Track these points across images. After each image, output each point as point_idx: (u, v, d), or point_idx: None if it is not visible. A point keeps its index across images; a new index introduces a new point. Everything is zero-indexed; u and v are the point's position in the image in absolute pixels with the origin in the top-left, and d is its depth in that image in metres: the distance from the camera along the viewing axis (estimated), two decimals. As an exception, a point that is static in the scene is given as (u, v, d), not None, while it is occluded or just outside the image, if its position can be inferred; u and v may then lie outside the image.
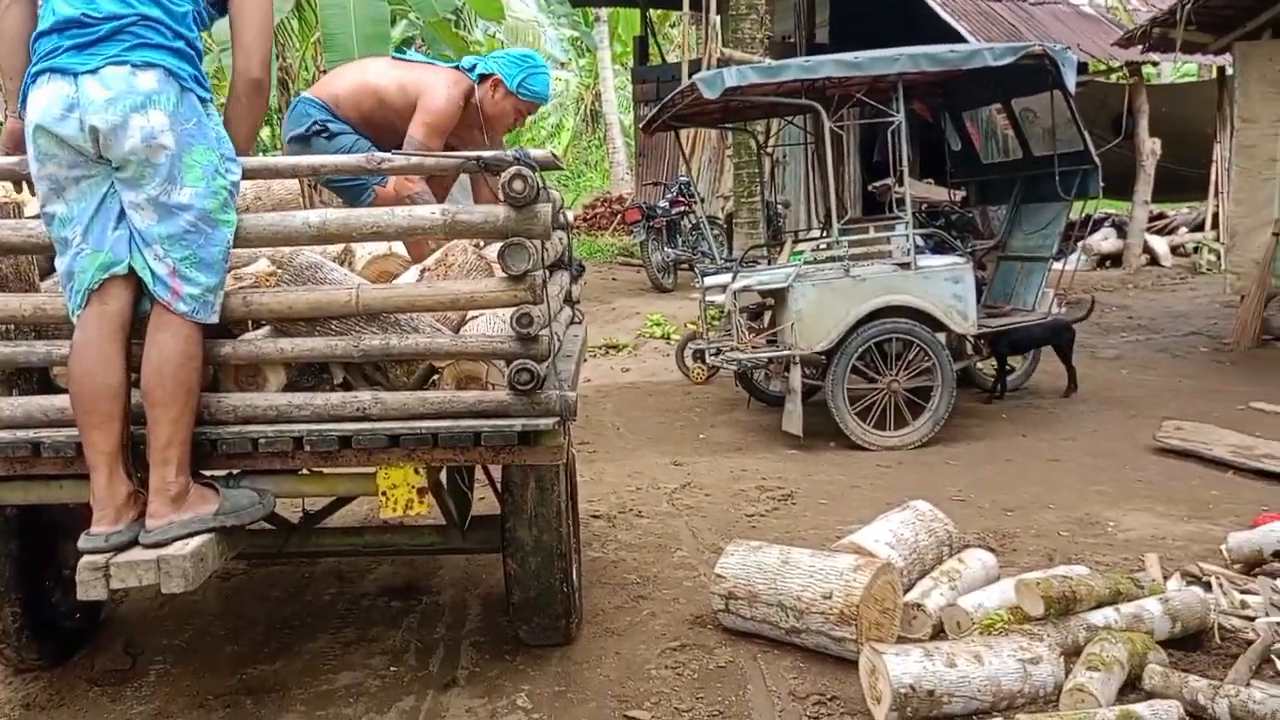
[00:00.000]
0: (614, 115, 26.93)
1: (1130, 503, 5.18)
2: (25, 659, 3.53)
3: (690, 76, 7.28)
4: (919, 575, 3.87)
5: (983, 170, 8.56)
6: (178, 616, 4.07)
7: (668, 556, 4.60)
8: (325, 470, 3.01)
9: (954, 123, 8.40)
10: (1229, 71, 9.93)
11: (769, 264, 7.63)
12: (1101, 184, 6.97)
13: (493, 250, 3.00)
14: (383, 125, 4.24)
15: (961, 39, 11.94)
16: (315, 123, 4.20)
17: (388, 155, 2.89)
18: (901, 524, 4.01)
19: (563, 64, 33.22)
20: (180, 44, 2.77)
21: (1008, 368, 7.66)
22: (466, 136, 4.34)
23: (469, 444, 2.82)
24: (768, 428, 7.08)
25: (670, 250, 13.10)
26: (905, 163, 6.62)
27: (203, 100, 2.82)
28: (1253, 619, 3.54)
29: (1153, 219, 15.03)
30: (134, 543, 2.67)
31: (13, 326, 2.95)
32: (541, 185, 2.81)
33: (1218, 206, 13.22)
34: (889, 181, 9.03)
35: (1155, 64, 14.39)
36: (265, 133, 21.42)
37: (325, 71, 12.14)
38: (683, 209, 13.03)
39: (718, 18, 13.19)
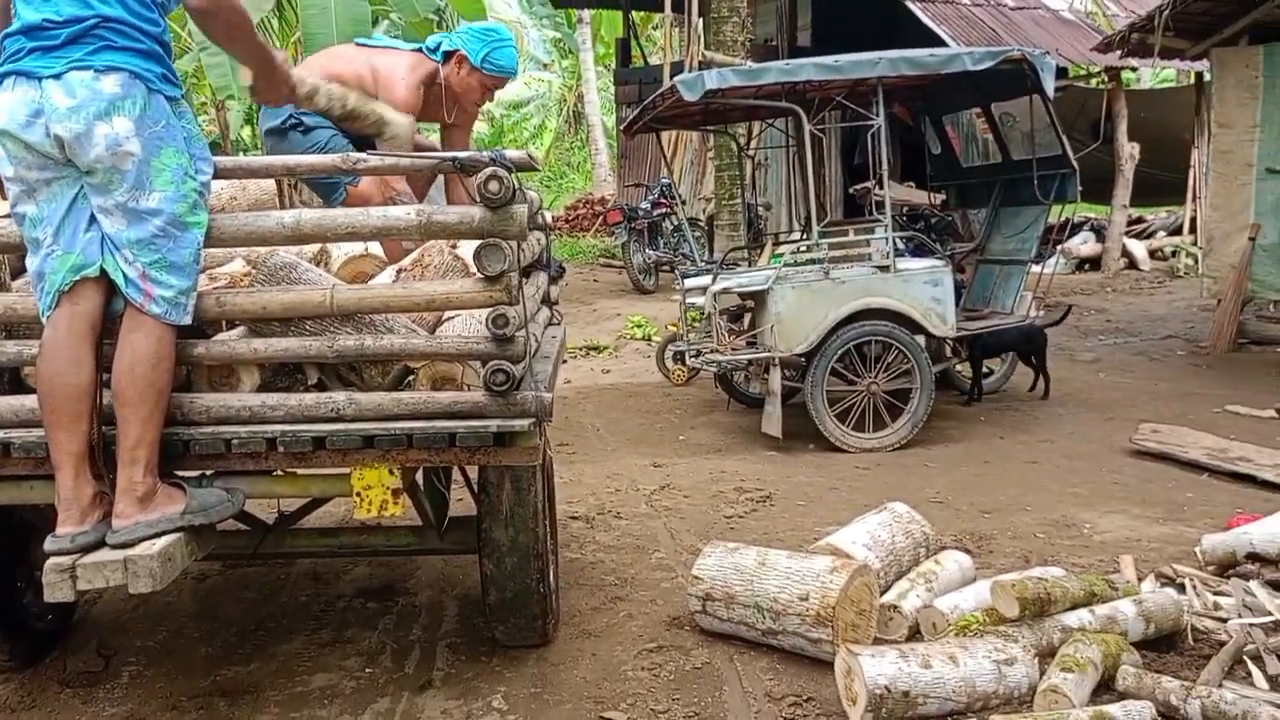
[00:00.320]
0: (596, 117, 26.94)
1: (1106, 505, 5.20)
2: (-4, 660, 3.50)
3: (672, 79, 7.28)
4: (896, 577, 3.88)
5: (962, 174, 8.60)
6: (151, 618, 4.04)
7: (646, 558, 4.59)
8: (299, 471, 3.00)
9: (934, 126, 8.43)
10: (1207, 77, 9.99)
11: (749, 266, 7.64)
12: (1080, 188, 7.00)
13: (469, 250, 3.00)
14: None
15: (942, 43, 11.99)
16: (291, 115, 4.17)
17: (362, 156, 2.88)
18: (879, 526, 4.02)
19: (545, 65, 33.23)
20: (146, 43, 2.73)
21: (986, 370, 7.69)
22: (435, 116, 4.32)
23: (444, 445, 2.82)
24: (747, 429, 7.08)
25: (652, 252, 13.12)
26: (885, 166, 6.64)
27: (173, 99, 2.79)
28: (1225, 620, 3.57)
29: (1131, 223, 15.13)
30: (101, 543, 2.66)
31: (-16, 326, 2.93)
32: (517, 186, 2.80)
33: (1195, 211, 13.32)
34: (869, 184, 9.05)
35: (1134, 69, 14.49)
36: (246, 131, 21.32)
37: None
38: (664, 211, 13.05)
39: (700, 20, 13.21)
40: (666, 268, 12.95)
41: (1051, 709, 2.92)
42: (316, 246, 3.38)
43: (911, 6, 12.98)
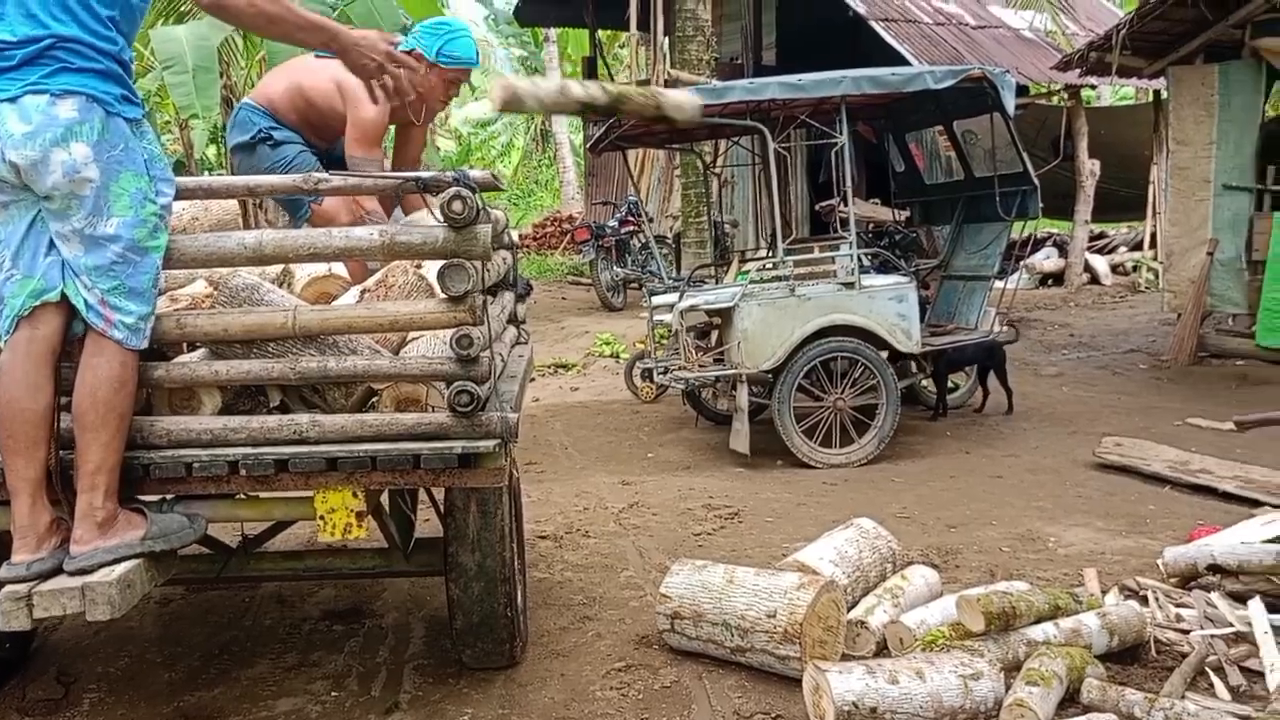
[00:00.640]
0: (564, 135, 26.99)
1: (1070, 518, 5.25)
2: (-47, 690, 3.44)
3: (637, 97, 7.29)
4: (863, 592, 3.89)
5: (926, 191, 8.69)
6: (113, 643, 3.98)
7: (614, 576, 4.58)
8: (262, 495, 2.97)
9: (897, 144, 8.51)
10: (1164, 95, 10.15)
11: (716, 283, 7.67)
12: (1041, 204, 7.09)
13: (434, 270, 2.99)
14: (320, 125, 4.21)
15: (905, 61, 12.12)
16: (260, 130, 4.14)
17: (324, 176, 2.87)
18: (845, 542, 4.03)
19: (513, 83, 33.22)
20: (104, 63, 2.69)
21: (951, 386, 7.75)
22: (403, 119, 4.28)
23: (408, 467, 2.80)
24: (715, 446, 7.10)
25: (619, 269, 13.14)
26: (850, 183, 6.69)
27: (133, 120, 2.76)
28: (1188, 632, 3.61)
29: (1093, 238, 15.31)
30: (58, 570, 2.62)
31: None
32: (481, 206, 2.80)
33: (1155, 226, 13.50)
34: (834, 201, 9.13)
35: (1094, 87, 14.70)
36: (211, 151, 21.16)
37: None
38: (632, 228, 13.09)
39: (665, 39, 13.28)
40: (634, 285, 12.98)
41: (1017, 723, 2.93)
42: (280, 267, 3.36)
43: (875, 26, 13.11)
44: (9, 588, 2.56)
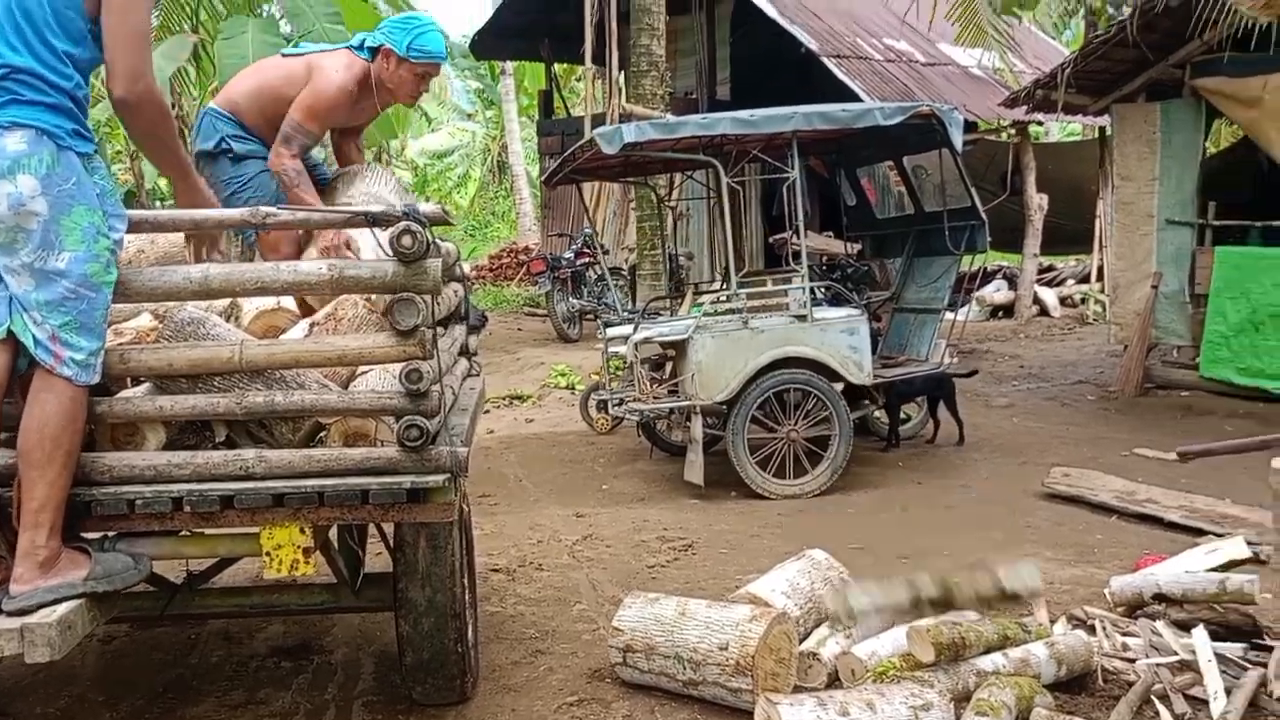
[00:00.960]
0: (520, 166, 27.03)
1: (1020, 548, 5.30)
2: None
3: (593, 130, 7.35)
4: (815, 624, 3.90)
5: (877, 224, 8.80)
6: (54, 683, 3.89)
7: (567, 610, 4.56)
8: (207, 531, 2.93)
9: (849, 178, 8.62)
10: (1109, 131, 10.38)
11: (671, 315, 7.71)
12: (990, 238, 7.21)
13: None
14: None
15: (857, 97, 12.30)
16: (223, 139, 4.09)
17: (272, 210, 2.86)
18: (798, 573, 4.04)
19: (469, 115, 33.31)
20: (56, 97, 2.67)
21: (903, 417, 7.82)
22: (372, 115, 4.27)
23: (356, 502, 2.78)
24: (670, 478, 7.10)
25: (575, 301, 13.16)
26: (802, 217, 6.76)
27: (86, 155, 2.74)
28: (1134, 661, 3.64)
29: (1042, 271, 15.57)
30: (-3, 610, 2.57)
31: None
32: (431, 240, 2.80)
33: (1102, 259, 13.76)
34: (788, 234, 9.22)
35: (1041, 123, 14.98)
36: (164, 181, 20.97)
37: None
38: (588, 260, 13.13)
39: (620, 74, 13.38)
40: (590, 316, 12.99)
41: (966, 754, 2.95)
42: (227, 300, 3.33)
43: (827, 62, 13.30)
44: (-55, 628, 2.50)
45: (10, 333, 2.66)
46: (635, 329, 6.95)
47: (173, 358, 2.80)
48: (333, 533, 3.45)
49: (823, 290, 7.40)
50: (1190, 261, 8.94)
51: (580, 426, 8.83)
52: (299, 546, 2.81)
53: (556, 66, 19.26)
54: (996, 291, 15.09)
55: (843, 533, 5.66)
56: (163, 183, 20.71)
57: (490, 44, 18.07)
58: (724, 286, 7.39)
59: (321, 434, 3.00)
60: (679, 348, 6.70)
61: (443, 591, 3.28)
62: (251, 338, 3.05)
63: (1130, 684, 3.48)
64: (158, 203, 20.32)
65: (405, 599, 3.29)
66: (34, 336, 2.65)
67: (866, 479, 6.90)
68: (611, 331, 7.47)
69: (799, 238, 6.87)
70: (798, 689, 3.49)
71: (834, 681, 3.55)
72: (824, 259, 9.77)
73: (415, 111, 23.36)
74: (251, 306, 3.35)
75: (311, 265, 2.84)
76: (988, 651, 3.48)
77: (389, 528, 3.62)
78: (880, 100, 11.87)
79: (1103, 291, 13.11)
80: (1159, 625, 3.84)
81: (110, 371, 2.80)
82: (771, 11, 13.64)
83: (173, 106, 10.85)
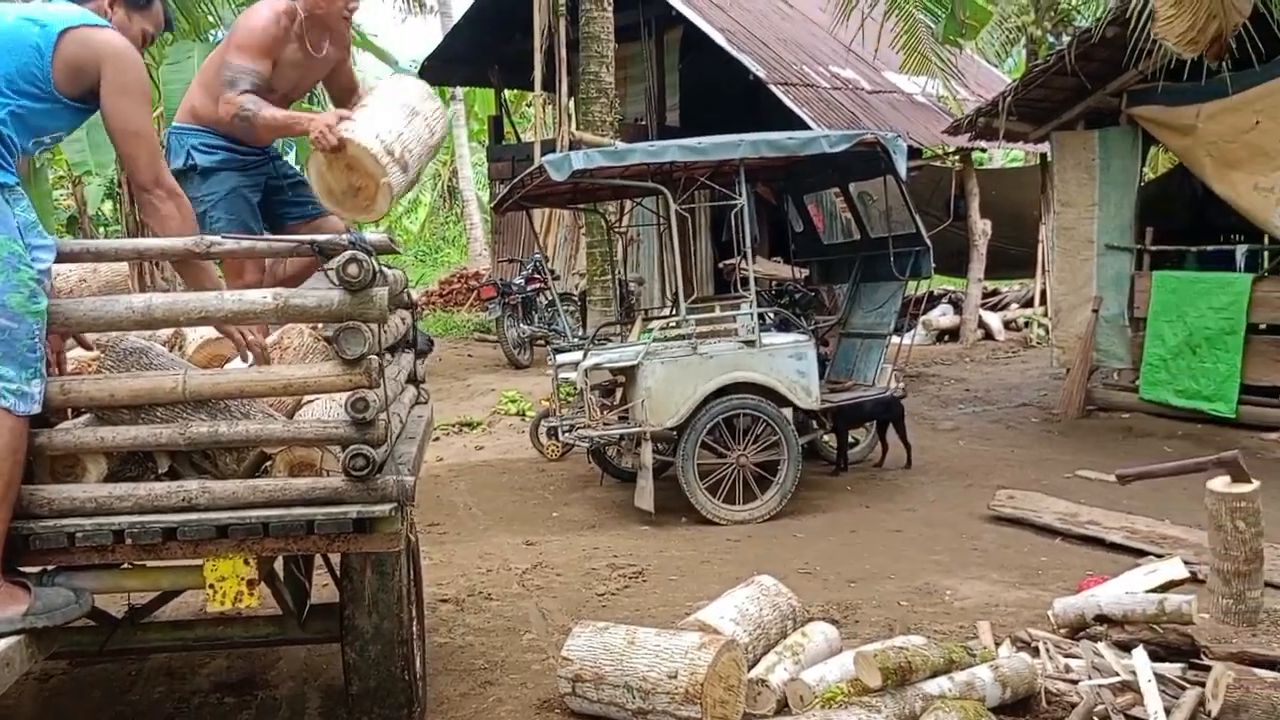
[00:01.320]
0: (471, 192, 26.99)
1: (966, 571, 5.36)
2: None
3: (543, 157, 7.38)
4: (764, 650, 3.91)
5: (824, 250, 8.91)
6: (-12, 724, 3.80)
7: (516, 640, 4.54)
8: (149, 564, 2.89)
9: (796, 205, 8.72)
10: (1050, 158, 10.60)
11: (621, 341, 7.72)
12: (935, 263, 7.32)
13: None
14: None
15: (804, 124, 12.45)
16: (188, 153, 4.05)
17: (217, 239, 2.84)
18: (746, 599, 4.06)
19: (419, 140, 33.18)
20: None
21: (851, 441, 7.89)
22: (314, 54, 4.15)
23: (302, 533, 2.75)
24: (620, 504, 7.10)
25: (526, 327, 13.13)
26: (750, 243, 6.83)
27: (6, 186, 2.72)
28: (1076, 682, 3.70)
29: (986, 295, 15.80)
30: (-68, 648, 2.51)
31: None
32: (378, 269, 2.79)
33: (1045, 284, 13.99)
34: (736, 260, 9.28)
35: (984, 150, 15.26)
36: (107, 206, 20.66)
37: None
38: (538, 286, 13.11)
39: (570, 100, 13.44)
40: (541, 342, 12.96)
41: (913, 778, 2.97)
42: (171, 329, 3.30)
43: (774, 90, 13.46)
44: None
45: None
46: (585, 355, 6.96)
47: (115, 388, 2.76)
48: (278, 564, 3.41)
49: (771, 316, 7.46)
50: (1129, 286, 9.14)
51: (530, 453, 8.80)
52: (243, 578, 2.78)
53: (507, 92, 19.31)
54: (942, 316, 15.28)
55: (792, 557, 5.69)
56: (107, 208, 20.42)
57: (439, 70, 18.04)
58: (673, 312, 7.42)
59: (266, 464, 2.97)
60: (629, 374, 6.72)
61: (389, 618, 3.25)
62: (195, 367, 3.02)
63: (1073, 705, 3.53)
64: (101, 229, 20.03)
65: (351, 626, 3.26)
66: None
67: (815, 503, 6.95)
68: (561, 358, 7.47)
69: (747, 264, 6.94)
70: (747, 716, 3.51)
71: (783, 708, 3.57)
72: (772, 284, 9.86)
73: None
74: (196, 336, 3.32)
75: (256, 294, 2.81)
76: (934, 675, 3.51)
77: (335, 557, 3.59)
78: (827, 127, 12.03)
79: (1045, 315, 13.33)
80: (1101, 646, 3.90)
81: (51, 403, 2.75)
82: (720, 39, 13.78)
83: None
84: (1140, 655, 3.64)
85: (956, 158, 14.54)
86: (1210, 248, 9.13)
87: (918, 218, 7.21)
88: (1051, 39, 14.62)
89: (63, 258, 2.87)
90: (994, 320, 15.05)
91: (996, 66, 18.89)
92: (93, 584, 2.85)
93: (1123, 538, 5.66)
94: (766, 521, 6.57)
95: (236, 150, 4.11)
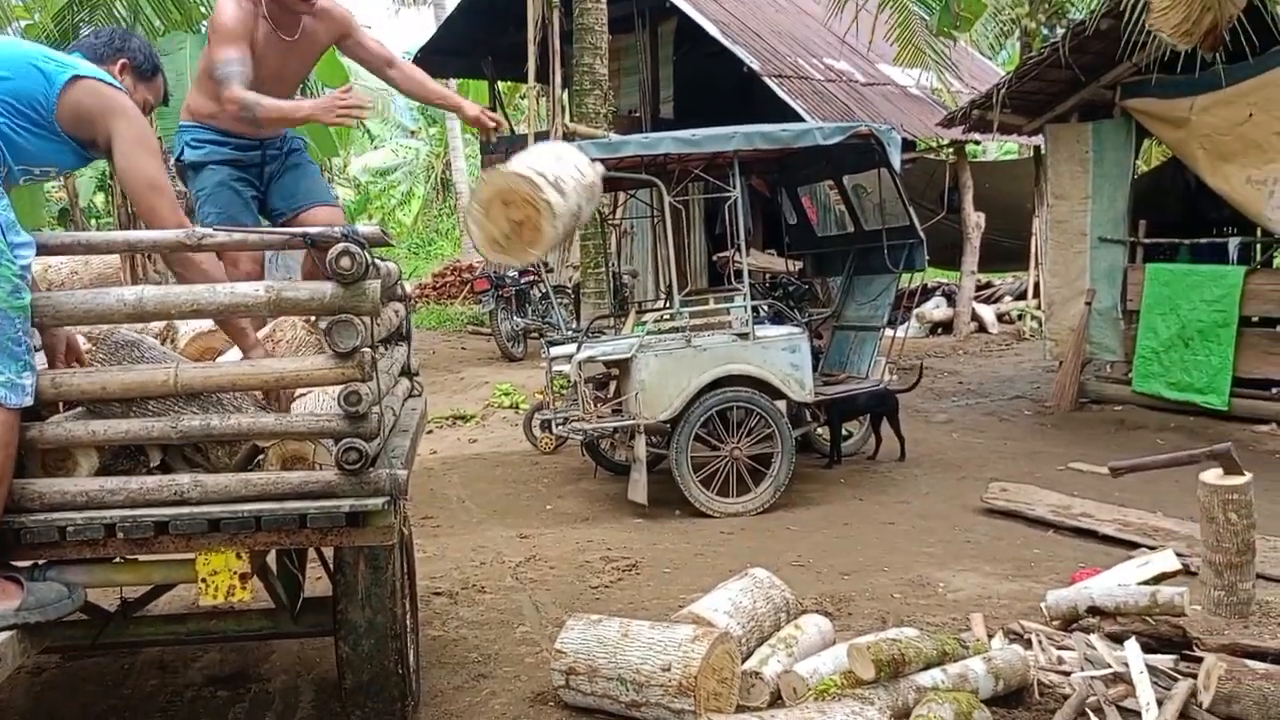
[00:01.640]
0: (464, 184, 26.86)
1: (959, 563, 5.37)
2: None
3: (536, 149, 7.35)
4: (757, 642, 3.91)
5: (818, 243, 8.89)
6: (-20, 717, 3.80)
7: (510, 633, 4.54)
8: (141, 558, 2.88)
9: (790, 197, 8.71)
10: (1043, 150, 10.60)
11: (615, 334, 7.72)
12: (929, 256, 7.32)
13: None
14: None
15: (798, 117, 12.43)
16: (181, 151, 4.07)
17: (208, 231, 2.83)
18: (740, 592, 4.06)
19: (413, 132, 33.14)
20: None
21: (845, 433, 7.89)
22: (288, 33, 4.10)
23: (294, 527, 2.75)
24: (614, 497, 7.10)
25: (520, 319, 13.12)
26: (743, 235, 6.82)
27: None
28: (1069, 674, 3.70)
29: (980, 288, 15.81)
30: (-76, 643, 2.50)
31: None
32: (370, 261, 2.78)
33: (1038, 276, 14.00)
34: (730, 253, 9.27)
35: (978, 142, 15.26)
36: (100, 198, 20.59)
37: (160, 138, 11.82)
38: (532, 278, 13.09)
39: (564, 92, 13.40)
40: (535, 335, 12.95)
41: (906, 770, 2.98)
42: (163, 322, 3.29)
43: (769, 82, 13.44)
44: None
45: None
46: (579, 348, 6.96)
47: (106, 381, 2.75)
48: (271, 557, 3.40)
49: (764, 308, 7.46)
50: (1122, 278, 9.15)
51: (524, 446, 8.80)
52: (235, 572, 2.77)
53: (500, 84, 19.24)
54: (935, 308, 15.30)
55: (784, 550, 5.70)
56: (99, 199, 20.36)
57: (433, 61, 17.94)
58: (667, 305, 7.42)
59: (259, 457, 2.96)
60: (623, 367, 6.71)
61: (383, 612, 3.24)
62: (187, 360, 3.01)
63: (1065, 697, 3.53)
64: (93, 220, 19.97)
65: (345, 620, 3.25)
66: None
67: (809, 496, 6.95)
68: (555, 350, 7.46)
69: (741, 256, 6.94)
70: (740, 708, 3.51)
71: (776, 700, 3.57)
72: (766, 277, 9.85)
73: (358, 129, 23.20)
74: (188, 329, 3.31)
75: (249, 287, 2.80)
76: (927, 668, 3.52)
77: (329, 551, 3.58)
78: (821, 120, 12.03)
79: (1039, 308, 13.35)
80: (1093, 638, 3.90)
81: (42, 396, 2.74)
82: (714, 31, 13.76)
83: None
84: (1132, 647, 3.64)
85: (950, 150, 14.54)
86: (1203, 240, 9.16)
87: (911, 210, 7.21)
88: (1045, 31, 14.63)
89: (53, 250, 2.86)
90: (987, 313, 15.07)
91: (990, 59, 18.90)
92: (84, 578, 2.84)
93: (1115, 530, 5.68)
94: (760, 514, 6.57)
95: (226, 144, 4.09)
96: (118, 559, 2.91)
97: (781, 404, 6.78)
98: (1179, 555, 4.79)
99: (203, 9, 11.45)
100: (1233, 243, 8.86)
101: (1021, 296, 15.59)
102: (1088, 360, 9.45)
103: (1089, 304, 9.30)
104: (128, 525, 2.68)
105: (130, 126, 3.00)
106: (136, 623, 3.66)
